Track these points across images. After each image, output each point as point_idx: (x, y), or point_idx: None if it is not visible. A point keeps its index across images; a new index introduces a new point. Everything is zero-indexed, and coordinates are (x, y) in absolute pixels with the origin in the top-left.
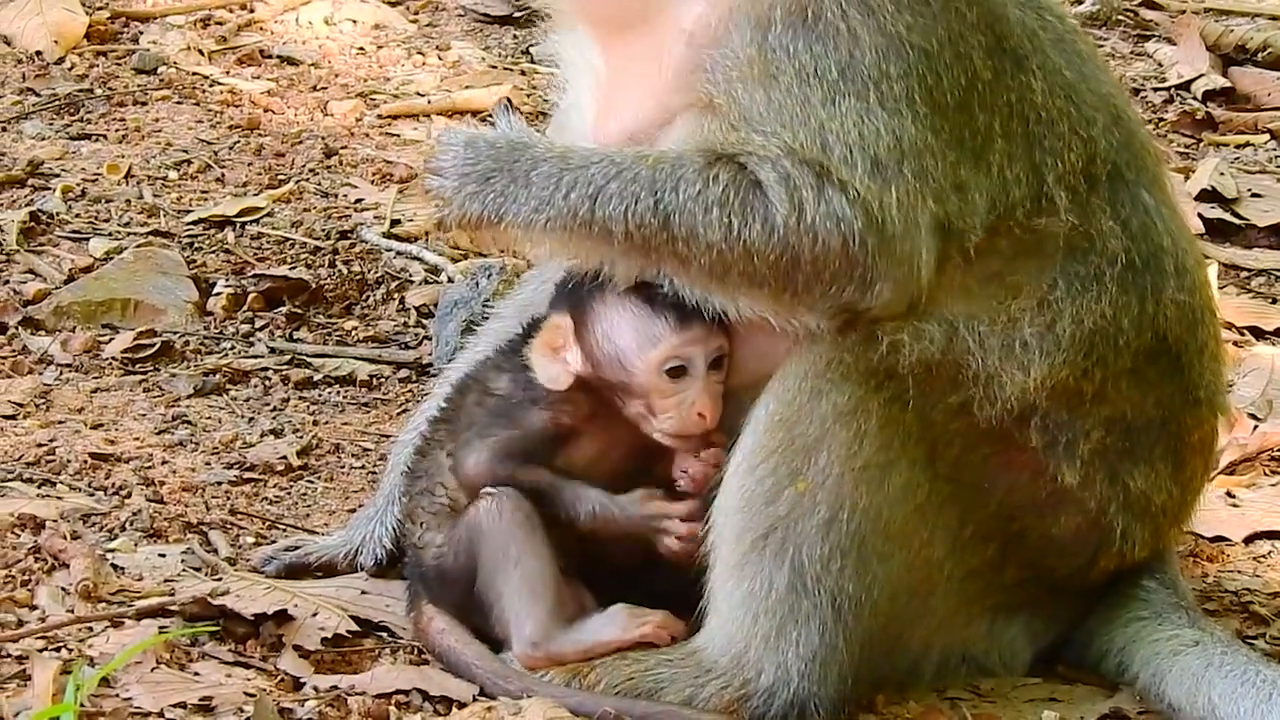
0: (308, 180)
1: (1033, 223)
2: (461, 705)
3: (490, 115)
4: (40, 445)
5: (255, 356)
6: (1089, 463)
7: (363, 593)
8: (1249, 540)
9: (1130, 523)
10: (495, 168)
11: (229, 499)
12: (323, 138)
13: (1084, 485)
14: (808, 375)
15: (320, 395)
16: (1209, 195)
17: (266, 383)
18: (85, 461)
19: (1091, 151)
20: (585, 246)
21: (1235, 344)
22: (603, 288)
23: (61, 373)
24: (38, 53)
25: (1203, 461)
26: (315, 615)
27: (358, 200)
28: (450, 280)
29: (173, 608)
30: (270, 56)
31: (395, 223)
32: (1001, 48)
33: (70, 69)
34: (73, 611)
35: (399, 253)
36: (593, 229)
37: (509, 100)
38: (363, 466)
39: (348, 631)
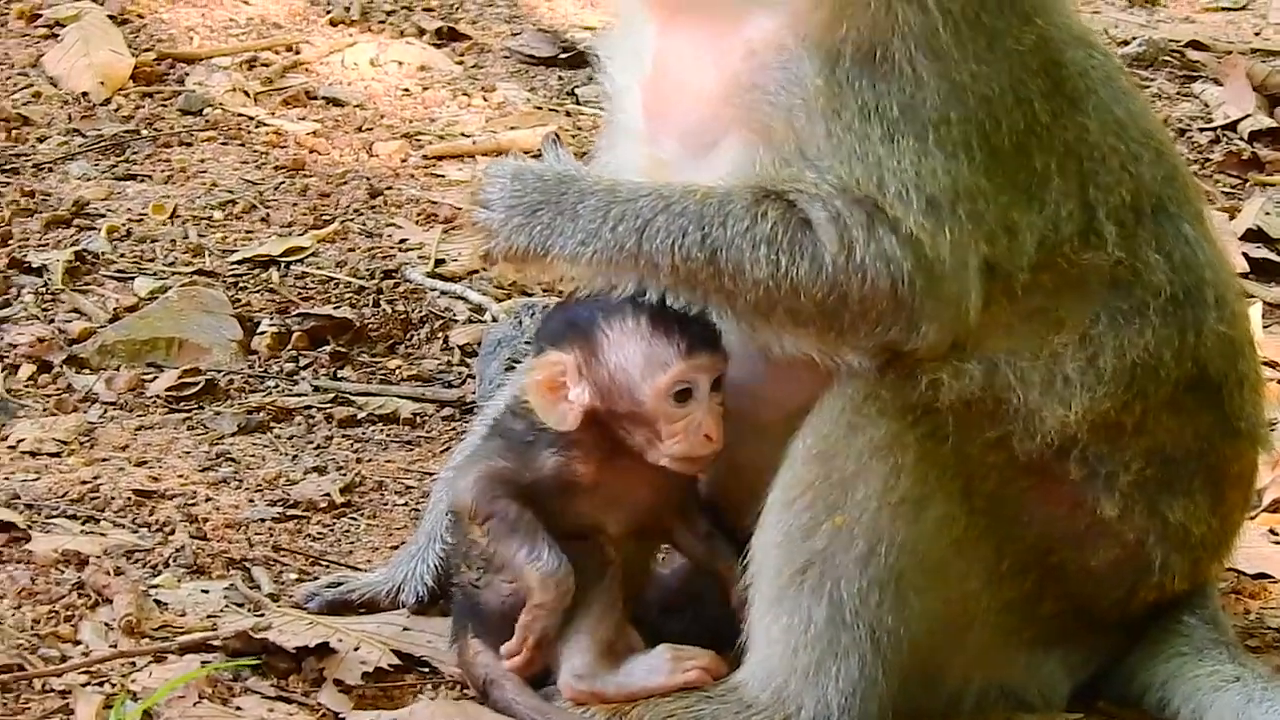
0: (352, 220)
1: (1080, 257)
2: None
3: (537, 153)
4: (84, 482)
5: (299, 395)
6: (1128, 495)
7: (405, 629)
8: None
9: (1169, 554)
10: (543, 200)
11: (272, 536)
12: (368, 178)
13: (1123, 517)
14: (845, 410)
15: (364, 433)
16: (1254, 235)
17: (310, 421)
18: (129, 498)
19: (1138, 186)
20: (631, 280)
21: (1279, 382)
22: (602, 318)
23: (106, 411)
24: (84, 94)
25: (1242, 494)
26: (357, 649)
27: (402, 240)
28: (494, 319)
29: (215, 642)
30: (316, 98)
31: (440, 262)
32: (1060, 91)
33: (116, 110)
34: (115, 646)
35: (443, 292)
36: (639, 262)
37: (556, 134)
38: (406, 504)
39: (389, 666)
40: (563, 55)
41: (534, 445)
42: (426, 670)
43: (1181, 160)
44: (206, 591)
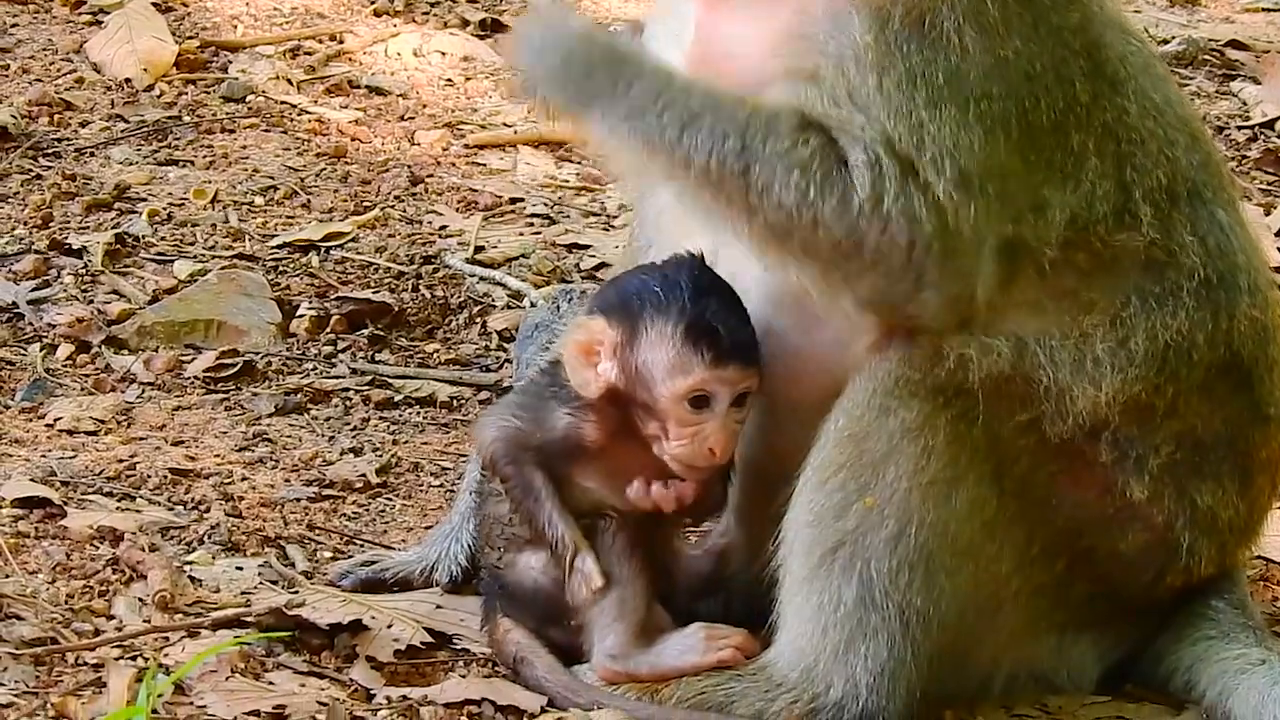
0: (393, 207)
1: (1114, 238)
2: (532, 716)
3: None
4: (121, 461)
5: (336, 377)
6: (1158, 478)
7: (438, 607)
8: None
9: (1197, 539)
10: (602, 65)
11: (307, 515)
12: (409, 166)
13: (1152, 500)
14: (876, 392)
15: (401, 416)
16: None
17: (347, 403)
18: (165, 477)
19: (1175, 170)
20: (660, 167)
21: None
22: (651, 309)
23: (144, 391)
24: (127, 80)
25: (1269, 479)
26: (390, 627)
27: (442, 227)
28: (533, 305)
29: (248, 618)
30: (358, 87)
31: (479, 249)
32: (1100, 73)
33: (159, 96)
34: (149, 622)
35: (482, 278)
36: (674, 153)
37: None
38: (441, 485)
39: (421, 643)
40: None
41: (550, 402)
42: (459, 648)
43: (1215, 147)
44: (240, 568)
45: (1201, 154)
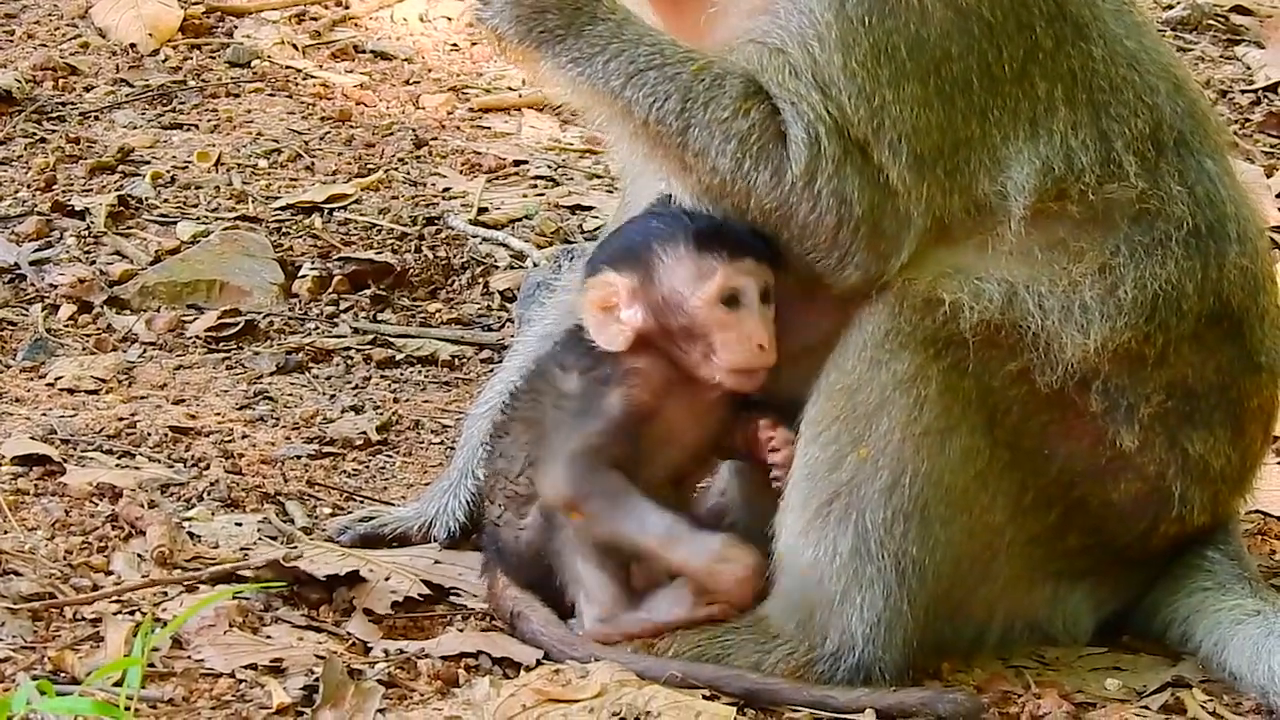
0: (397, 170)
1: (1104, 188)
2: (528, 669)
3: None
4: (121, 419)
5: (338, 336)
6: (1148, 427)
7: (436, 562)
8: None
9: (1189, 488)
10: (556, 6)
11: (307, 471)
12: (413, 129)
13: (1143, 449)
14: (867, 345)
15: (402, 374)
16: None
17: (349, 361)
18: (165, 434)
19: (1158, 118)
20: (601, 112)
21: None
22: (656, 241)
23: (145, 350)
24: (132, 45)
25: (1261, 428)
26: (388, 579)
27: (445, 189)
28: (535, 265)
29: (246, 572)
30: (364, 52)
31: (483, 210)
32: (1063, 14)
33: (164, 61)
34: (147, 577)
35: (485, 239)
36: (615, 102)
37: None
38: (441, 442)
39: (419, 596)
40: None
41: (597, 392)
42: (456, 602)
43: (1202, 95)
44: (240, 524)
45: (1185, 101)
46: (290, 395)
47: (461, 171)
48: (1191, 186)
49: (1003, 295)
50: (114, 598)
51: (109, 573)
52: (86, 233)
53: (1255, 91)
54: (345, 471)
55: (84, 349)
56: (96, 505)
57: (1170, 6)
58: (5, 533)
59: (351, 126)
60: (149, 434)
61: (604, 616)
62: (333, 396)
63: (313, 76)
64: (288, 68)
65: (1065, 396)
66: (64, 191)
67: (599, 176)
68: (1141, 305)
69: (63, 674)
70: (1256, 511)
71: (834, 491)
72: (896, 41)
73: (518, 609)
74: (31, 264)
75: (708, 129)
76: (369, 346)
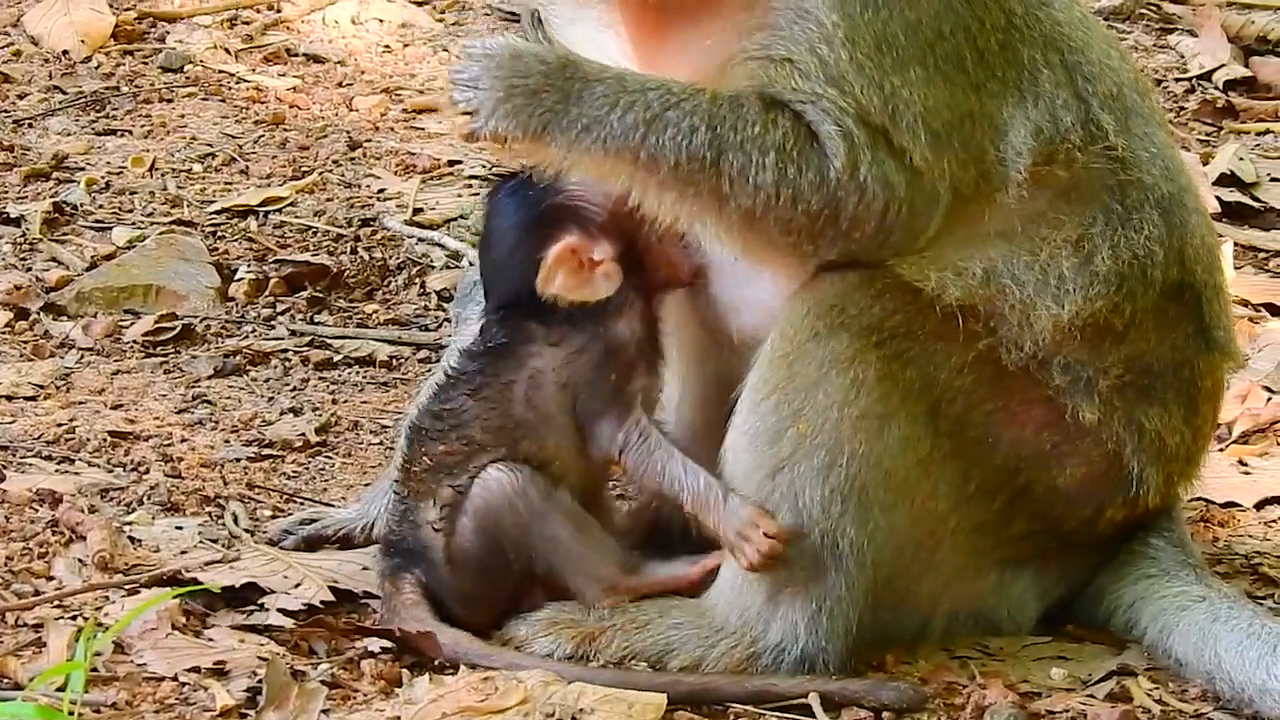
0: (331, 172)
1: (1089, 149)
2: (471, 667)
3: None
4: (60, 425)
5: (276, 339)
6: (1107, 400)
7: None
8: (1260, 506)
9: (1145, 466)
10: (546, 84)
11: (247, 474)
12: (347, 131)
13: (1102, 423)
14: (810, 312)
15: (340, 375)
16: (1228, 180)
17: (286, 364)
18: (104, 439)
19: (1119, 80)
20: (625, 172)
21: (1251, 320)
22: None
23: (82, 356)
24: (64, 52)
25: (1212, 409)
26: (329, 582)
27: (380, 190)
28: (471, 264)
29: (185, 575)
30: (296, 55)
31: (418, 210)
32: None
33: (97, 67)
34: (88, 582)
35: (420, 239)
36: (640, 155)
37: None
38: (380, 443)
39: (362, 593)
40: None
41: (599, 342)
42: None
43: (1140, 73)
44: (180, 528)
45: (1131, 73)
46: (228, 398)
47: (396, 172)
48: (1155, 154)
49: (983, 270)
50: (55, 603)
51: (50, 578)
52: (22, 239)
53: (1189, 80)
54: (285, 473)
55: (21, 355)
56: (36, 511)
57: None
58: None
59: (285, 129)
60: (88, 439)
61: (612, 582)
62: (271, 399)
63: (246, 80)
64: (221, 72)
65: (1020, 379)
66: None
67: None
68: (1114, 275)
69: (5, 680)
70: (1199, 499)
71: (776, 465)
72: (894, 29)
73: (423, 630)
74: None
75: (742, 150)
76: (306, 348)
